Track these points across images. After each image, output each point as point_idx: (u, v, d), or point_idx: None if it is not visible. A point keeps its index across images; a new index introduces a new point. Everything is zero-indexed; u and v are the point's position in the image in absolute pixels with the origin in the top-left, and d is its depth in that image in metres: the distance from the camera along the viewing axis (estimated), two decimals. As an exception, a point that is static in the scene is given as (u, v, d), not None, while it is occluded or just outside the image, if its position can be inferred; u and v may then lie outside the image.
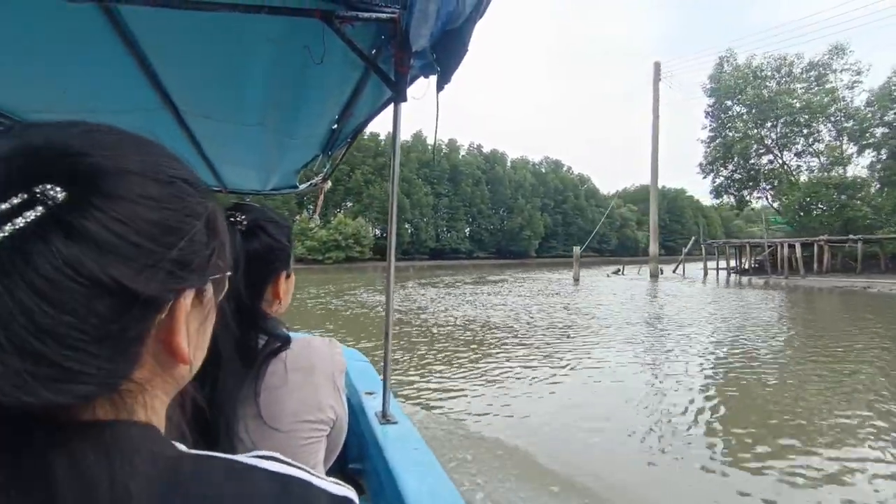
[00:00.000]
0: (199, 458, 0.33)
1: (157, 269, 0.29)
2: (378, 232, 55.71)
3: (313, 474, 0.36)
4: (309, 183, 2.84)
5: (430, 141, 62.27)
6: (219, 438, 0.79)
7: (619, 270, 34.96)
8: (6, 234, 0.24)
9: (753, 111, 34.96)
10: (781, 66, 35.53)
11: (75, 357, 0.26)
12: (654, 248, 33.05)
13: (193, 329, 0.36)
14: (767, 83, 35.05)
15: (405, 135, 58.53)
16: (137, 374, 0.32)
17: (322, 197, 2.67)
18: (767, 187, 38.28)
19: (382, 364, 1.89)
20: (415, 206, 57.19)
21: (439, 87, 1.68)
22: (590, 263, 56.81)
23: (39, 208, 0.25)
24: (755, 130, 35.35)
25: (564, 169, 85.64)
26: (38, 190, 0.25)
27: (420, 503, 1.19)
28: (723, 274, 32.98)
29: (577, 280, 25.86)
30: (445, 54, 1.58)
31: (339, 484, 0.36)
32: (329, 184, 2.76)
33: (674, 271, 35.33)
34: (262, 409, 0.85)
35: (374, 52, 1.66)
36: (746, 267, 32.59)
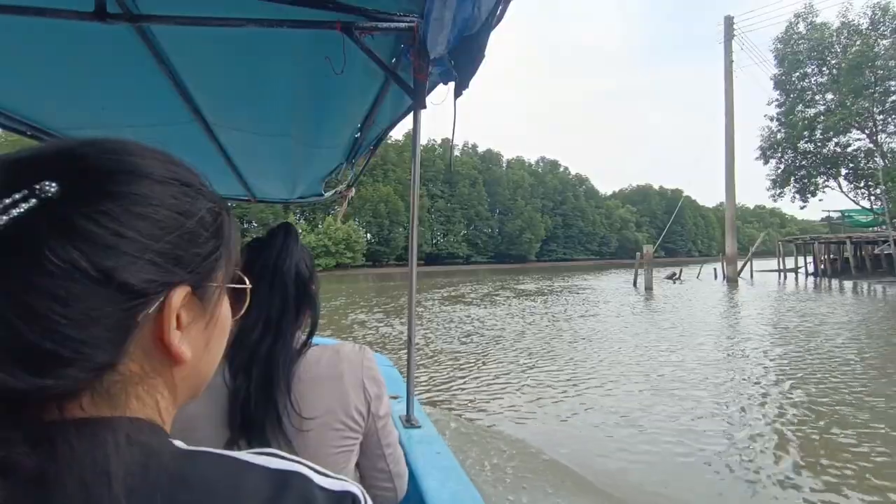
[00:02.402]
0: (190, 453, 0.32)
1: (140, 260, 0.31)
2: (370, 236, 51.83)
3: (315, 469, 0.35)
4: (334, 191, 2.90)
5: (429, 142, 61.99)
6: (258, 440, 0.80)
7: (675, 275, 27.80)
8: (8, 218, 0.27)
9: (842, 79, 27.62)
10: (881, 19, 27.48)
11: (54, 339, 0.27)
12: (731, 245, 27.12)
13: (196, 330, 0.36)
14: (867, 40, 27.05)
15: (398, 134, 50.88)
16: (124, 367, 0.32)
17: (346, 204, 2.76)
18: (849, 174, 31.10)
19: (407, 368, 1.96)
20: (409, 209, 53.33)
21: (457, 94, 1.72)
22: (604, 268, 50.62)
23: (33, 201, 0.28)
24: (850, 101, 27.30)
25: (561, 169, 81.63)
26: (37, 187, 0.28)
27: None
28: (794, 276, 28.19)
29: (649, 289, 20.07)
30: (463, 60, 1.64)
31: (343, 479, 0.35)
32: (353, 191, 2.81)
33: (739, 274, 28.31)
34: (291, 418, 0.83)
35: (393, 61, 1.66)
36: (823, 268, 27.59)
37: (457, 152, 63.43)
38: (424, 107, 1.74)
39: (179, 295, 0.33)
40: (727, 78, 28.65)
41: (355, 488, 0.35)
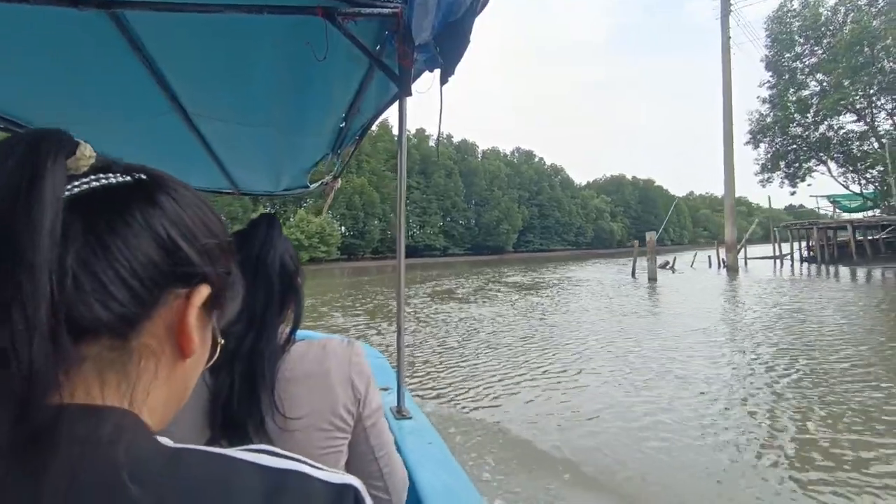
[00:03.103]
0: (178, 451, 0.32)
1: (194, 244, 0.36)
2: (344, 229, 49.99)
3: (309, 464, 0.34)
4: (319, 182, 2.85)
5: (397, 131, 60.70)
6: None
7: (668, 264, 25.89)
8: (101, 183, 0.33)
9: (839, 56, 26.10)
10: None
11: (113, 281, 0.31)
12: (731, 231, 24.90)
13: (199, 334, 0.38)
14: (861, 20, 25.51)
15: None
16: (138, 339, 0.34)
17: (332, 195, 2.71)
18: (839, 157, 29.86)
19: (396, 360, 1.96)
20: (385, 200, 51.28)
21: (443, 81, 1.71)
22: (581, 258, 48.90)
23: (129, 178, 0.35)
24: (847, 82, 26.20)
25: (537, 160, 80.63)
26: (133, 175, 0.35)
27: (434, 497, 1.19)
28: (790, 262, 26.42)
29: (653, 280, 18.76)
30: (448, 47, 1.62)
31: (339, 472, 0.35)
32: (339, 182, 2.75)
33: (723, 265, 26.19)
34: (275, 418, 0.80)
35: (377, 48, 1.61)
36: (822, 254, 25.88)
37: (432, 143, 61.46)
38: (410, 94, 1.71)
39: (205, 290, 0.37)
40: (724, 55, 26.19)
41: (355, 480, 0.34)
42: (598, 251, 72.78)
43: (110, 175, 0.34)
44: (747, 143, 32.76)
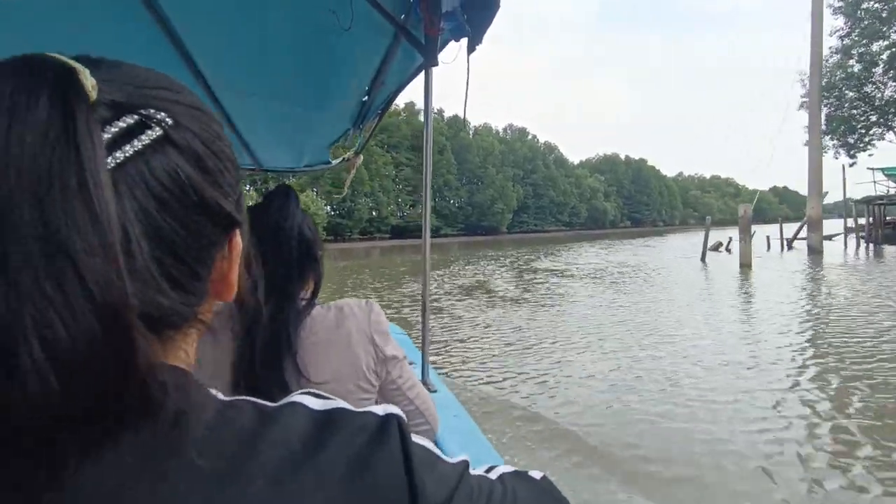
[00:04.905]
0: (231, 401, 0.32)
1: (230, 196, 0.32)
2: (329, 209, 45.64)
3: (349, 405, 0.34)
4: (341, 158, 2.82)
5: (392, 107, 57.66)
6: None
7: (721, 246, 21.81)
8: (136, 148, 0.27)
9: None
10: None
11: (176, 266, 0.29)
12: (816, 206, 20.57)
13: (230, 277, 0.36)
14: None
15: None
16: (199, 307, 0.32)
17: (353, 171, 2.65)
18: None
19: (420, 333, 1.97)
20: (374, 177, 47.73)
21: (470, 49, 1.66)
22: (575, 239, 45.09)
23: (157, 129, 0.28)
24: None
25: (530, 137, 78.31)
26: (144, 113, 0.28)
27: None
28: (855, 241, 23.55)
29: (745, 267, 14.30)
30: (476, 14, 1.59)
31: (381, 405, 0.35)
32: (361, 158, 2.70)
33: (788, 245, 22.68)
34: (300, 382, 0.80)
35: (402, 17, 1.56)
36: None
37: (422, 118, 59.31)
38: (436, 64, 1.67)
39: (238, 236, 0.34)
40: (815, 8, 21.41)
41: (397, 410, 0.34)
42: (592, 231, 71.19)
43: (125, 118, 0.27)
44: (800, 107, 26.46)
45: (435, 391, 1.81)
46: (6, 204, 0.22)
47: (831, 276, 12.82)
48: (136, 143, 0.27)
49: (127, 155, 0.26)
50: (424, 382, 1.87)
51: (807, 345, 5.87)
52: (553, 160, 79.49)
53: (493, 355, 5.83)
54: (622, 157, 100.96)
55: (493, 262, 21.57)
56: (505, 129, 77.85)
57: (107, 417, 0.24)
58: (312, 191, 43.44)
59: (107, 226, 0.24)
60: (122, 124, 0.27)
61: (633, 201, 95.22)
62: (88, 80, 0.26)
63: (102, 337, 0.23)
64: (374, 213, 49.74)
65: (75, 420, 0.23)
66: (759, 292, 10.31)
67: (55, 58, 0.26)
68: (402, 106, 56.35)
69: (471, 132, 67.95)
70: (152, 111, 0.28)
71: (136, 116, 0.27)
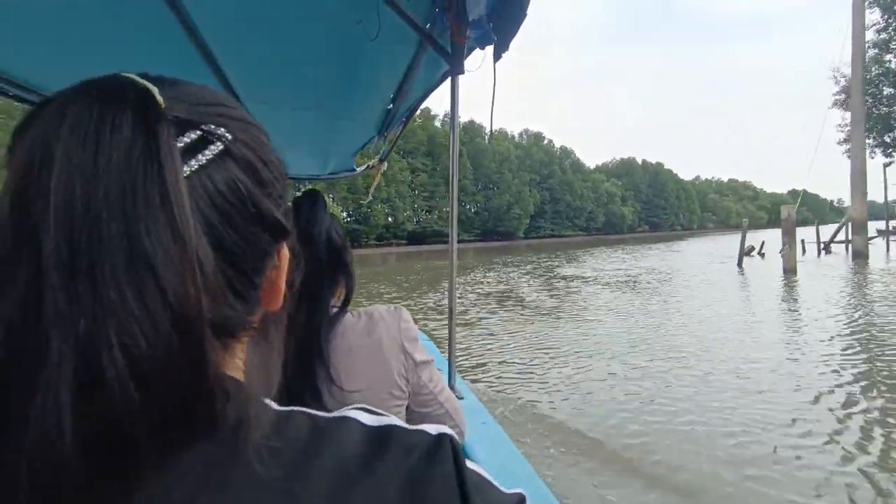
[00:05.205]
0: (288, 412, 0.32)
1: (281, 207, 0.33)
2: (346, 214, 44.66)
3: (402, 423, 0.35)
4: (366, 165, 2.85)
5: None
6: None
7: (753, 250, 21.05)
8: (201, 162, 0.28)
9: None
10: None
11: (237, 276, 0.29)
12: (861, 206, 19.42)
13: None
14: None
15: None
16: (254, 315, 0.32)
17: (378, 178, 2.70)
18: None
19: (448, 340, 1.97)
20: (390, 183, 47.19)
21: (496, 57, 1.65)
22: (594, 244, 44.21)
23: (219, 144, 0.29)
24: None
25: (546, 142, 77.61)
26: (205, 129, 0.29)
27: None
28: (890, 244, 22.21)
29: (789, 272, 13.65)
30: (502, 22, 1.58)
31: (433, 425, 0.35)
32: (385, 165, 2.74)
33: (825, 249, 21.96)
34: (332, 390, 0.80)
35: (428, 26, 1.57)
36: None
37: (437, 123, 57.34)
38: (462, 72, 1.67)
39: (286, 248, 0.35)
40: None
41: (448, 430, 0.35)
42: (608, 236, 70.26)
43: (189, 134, 0.28)
44: (833, 105, 25.54)
45: (462, 398, 1.80)
46: (94, 218, 0.23)
47: (888, 281, 12.26)
48: (200, 157, 0.28)
49: (192, 170, 0.27)
50: (451, 389, 1.86)
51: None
52: (569, 165, 78.86)
53: (557, 390, 4.86)
54: (639, 160, 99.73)
55: (514, 268, 20.82)
56: (521, 134, 77.24)
57: (181, 426, 0.25)
58: (329, 196, 43.53)
59: (187, 239, 0.25)
60: (186, 140, 0.28)
61: (651, 205, 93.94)
62: (160, 100, 0.27)
63: (179, 347, 0.24)
64: (390, 220, 49.43)
65: (153, 428, 0.23)
66: (813, 302, 9.58)
67: (133, 79, 0.28)
68: (417, 112, 56.60)
69: (486, 137, 67.60)
70: (213, 127, 0.29)
71: (198, 132, 0.28)
